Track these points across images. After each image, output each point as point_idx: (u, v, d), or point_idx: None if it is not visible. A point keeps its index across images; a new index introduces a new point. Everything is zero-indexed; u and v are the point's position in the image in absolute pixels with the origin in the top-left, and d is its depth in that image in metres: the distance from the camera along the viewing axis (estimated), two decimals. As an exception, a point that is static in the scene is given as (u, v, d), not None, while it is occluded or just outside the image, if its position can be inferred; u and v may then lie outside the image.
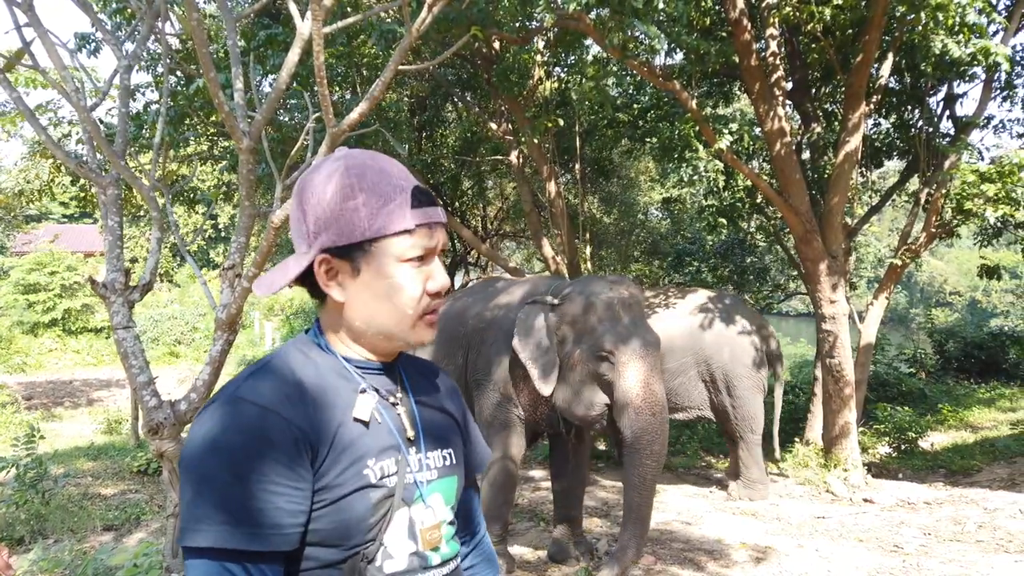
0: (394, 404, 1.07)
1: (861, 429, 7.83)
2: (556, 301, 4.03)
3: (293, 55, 2.85)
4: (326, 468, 0.95)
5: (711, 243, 11.28)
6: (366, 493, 0.97)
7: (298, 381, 0.98)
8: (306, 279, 1.04)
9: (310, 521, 0.93)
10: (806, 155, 8.37)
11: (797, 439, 8.50)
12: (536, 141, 8.22)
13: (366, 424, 1.01)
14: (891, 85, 8.00)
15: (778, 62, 6.92)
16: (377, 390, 1.05)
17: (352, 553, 0.97)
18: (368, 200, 0.99)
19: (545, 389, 3.92)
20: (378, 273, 1.00)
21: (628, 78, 8.47)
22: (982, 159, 7.43)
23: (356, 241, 0.99)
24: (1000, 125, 8.55)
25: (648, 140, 8.89)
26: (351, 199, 0.99)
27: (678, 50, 7.24)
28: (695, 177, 7.95)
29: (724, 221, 9.10)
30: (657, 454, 3.73)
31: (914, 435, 8.27)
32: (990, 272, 7.81)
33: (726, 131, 6.51)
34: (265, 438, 0.91)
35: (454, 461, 1.14)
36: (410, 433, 1.07)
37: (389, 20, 6.49)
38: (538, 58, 8.46)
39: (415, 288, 1.02)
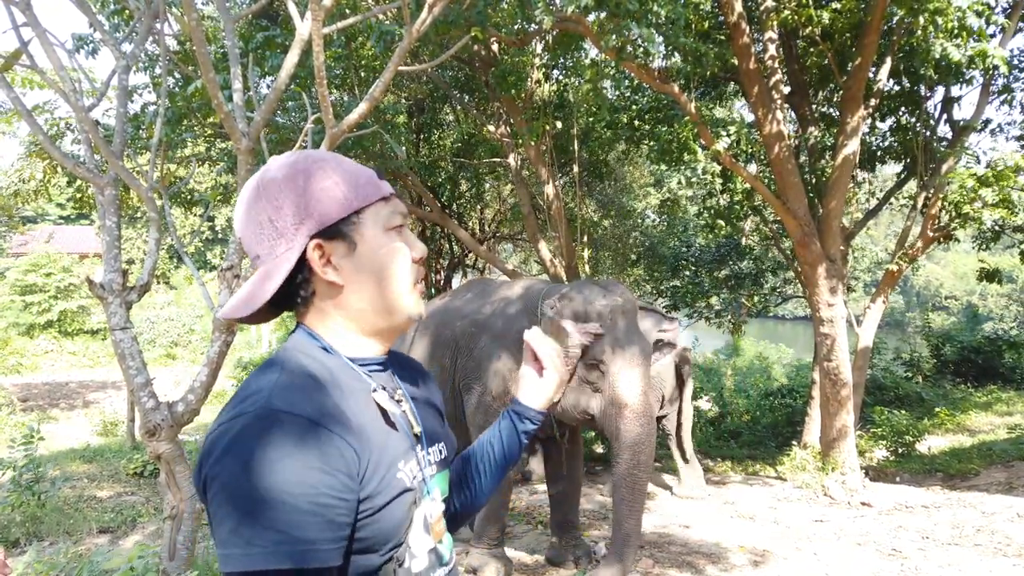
0: (399, 401, 1.06)
1: (858, 432, 7.83)
2: (549, 308, 4.01)
3: (293, 56, 2.84)
4: (368, 476, 0.92)
5: (708, 246, 11.29)
6: (404, 496, 0.97)
7: (325, 389, 0.95)
8: (275, 295, 0.99)
9: (356, 531, 0.91)
10: (803, 158, 8.38)
11: (795, 443, 8.51)
12: (534, 143, 8.22)
13: (394, 426, 1.01)
14: (889, 88, 8.02)
15: (776, 65, 6.93)
16: (384, 388, 1.03)
17: (388, 557, 0.96)
18: (344, 177, 1.01)
19: None
20: (373, 244, 1.01)
21: (626, 80, 8.47)
22: (979, 163, 7.44)
23: (344, 216, 0.99)
24: (998, 128, 8.57)
25: (646, 143, 8.90)
26: (328, 178, 0.99)
27: (676, 53, 7.25)
28: (693, 179, 7.95)
29: (722, 223, 9.11)
30: (645, 462, 3.74)
31: (911, 439, 8.28)
32: (990, 276, 7.83)
33: (724, 133, 6.50)
34: (314, 452, 0.87)
35: (446, 454, 1.16)
36: (416, 429, 1.07)
37: (388, 21, 6.49)
38: (536, 60, 8.46)
39: (405, 255, 1.04)
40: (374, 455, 0.94)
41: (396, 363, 1.17)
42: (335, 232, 0.99)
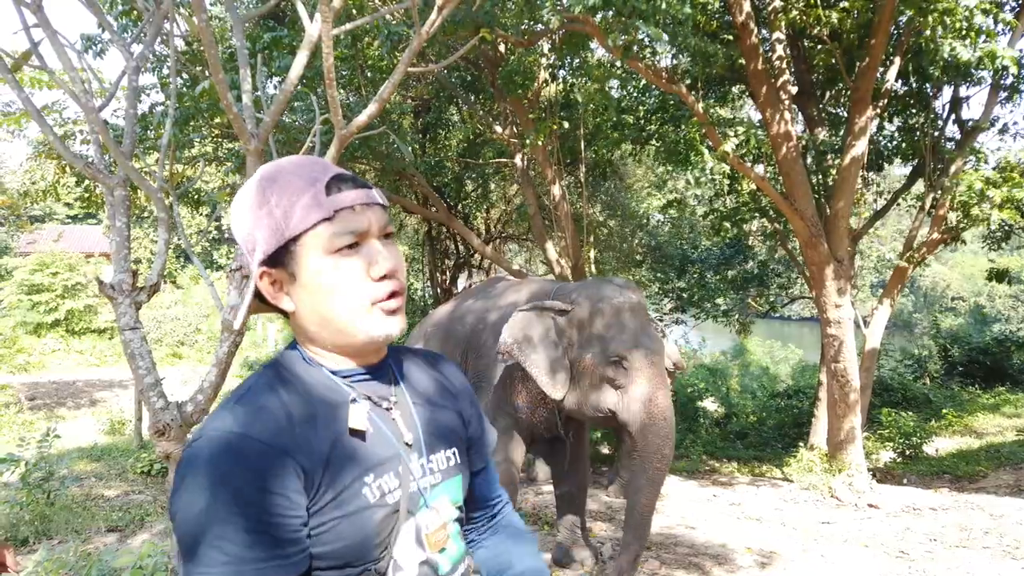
0: (388, 409, 1.03)
1: (866, 434, 7.81)
2: (565, 306, 4.01)
3: (302, 57, 2.84)
4: (323, 489, 0.92)
5: (714, 248, 11.26)
6: (366, 514, 0.95)
7: (281, 403, 0.95)
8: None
9: (314, 546, 0.91)
10: (810, 159, 8.35)
11: (801, 444, 8.48)
12: (540, 144, 8.21)
13: (363, 436, 0.98)
14: (897, 89, 7.98)
15: (784, 66, 6.90)
16: (369, 397, 1.01)
17: (363, 570, 0.95)
18: (280, 200, 0.96)
19: (556, 394, 3.90)
20: (311, 271, 0.96)
21: (633, 80, 8.46)
22: (987, 163, 7.41)
23: (281, 244, 0.96)
24: (1005, 128, 8.52)
25: (653, 143, 8.89)
26: (264, 204, 0.96)
27: (683, 53, 7.23)
28: (702, 178, 7.93)
29: (728, 225, 9.10)
30: (666, 457, 3.75)
31: (919, 440, 8.25)
32: (999, 275, 7.79)
33: (732, 134, 6.49)
34: (245, 468, 0.87)
35: (458, 460, 1.12)
36: (408, 439, 1.03)
37: (395, 22, 6.49)
38: (543, 61, 8.45)
39: (354, 277, 0.96)
40: (332, 468, 0.93)
41: (408, 363, 1.13)
42: (277, 261, 0.98)
